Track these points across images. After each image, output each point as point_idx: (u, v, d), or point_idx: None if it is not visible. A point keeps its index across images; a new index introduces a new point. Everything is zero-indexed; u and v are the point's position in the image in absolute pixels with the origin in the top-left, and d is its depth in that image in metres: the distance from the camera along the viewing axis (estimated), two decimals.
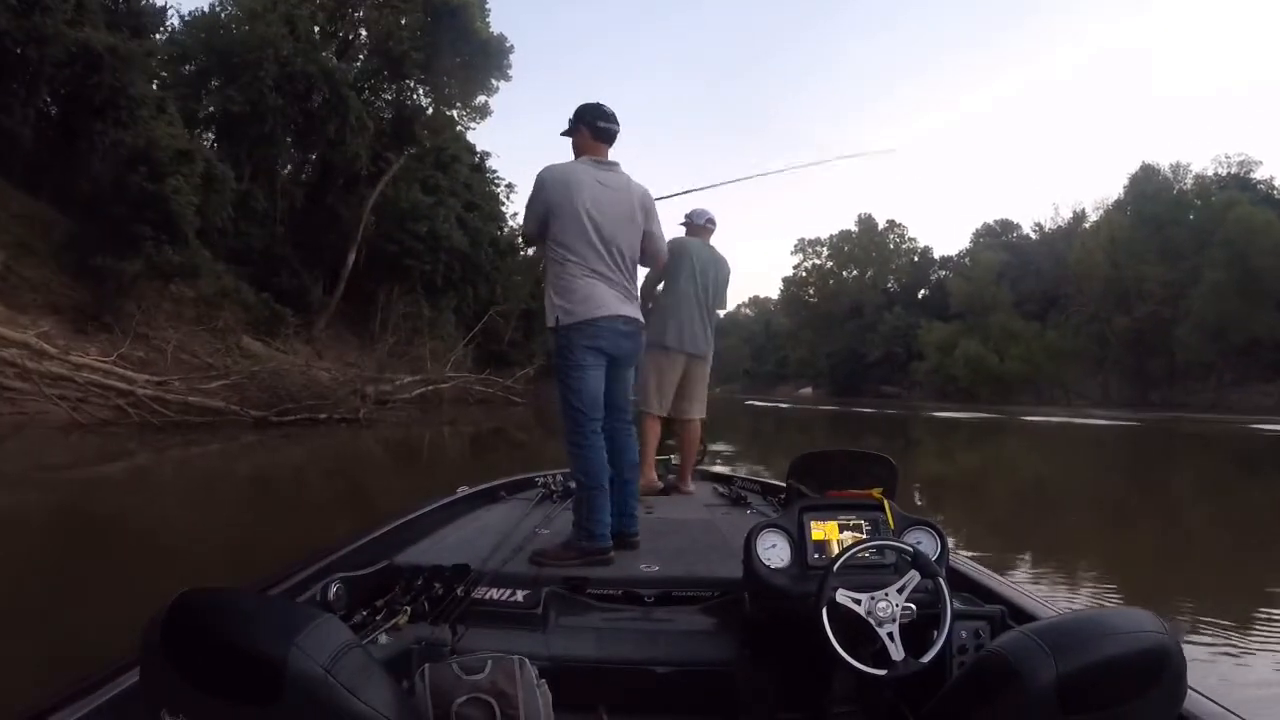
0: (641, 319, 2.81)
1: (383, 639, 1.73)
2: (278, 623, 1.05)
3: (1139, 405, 45.19)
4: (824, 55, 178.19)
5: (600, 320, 2.60)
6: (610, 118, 2.78)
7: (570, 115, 2.80)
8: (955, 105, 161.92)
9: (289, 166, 26.98)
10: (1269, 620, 4.27)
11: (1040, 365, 52.74)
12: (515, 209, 37.21)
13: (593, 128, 2.76)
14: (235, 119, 23.02)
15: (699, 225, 4.24)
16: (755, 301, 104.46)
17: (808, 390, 71.06)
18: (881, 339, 66.11)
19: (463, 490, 3.40)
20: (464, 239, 27.51)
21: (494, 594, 2.06)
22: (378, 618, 1.83)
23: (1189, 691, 1.30)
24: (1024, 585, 2.52)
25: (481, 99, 33.37)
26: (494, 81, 31.99)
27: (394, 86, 30.26)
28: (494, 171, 33.34)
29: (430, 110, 30.83)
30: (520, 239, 33.07)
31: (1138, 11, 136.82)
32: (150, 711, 1.03)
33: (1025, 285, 58.96)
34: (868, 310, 69.17)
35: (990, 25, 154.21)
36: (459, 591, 2.01)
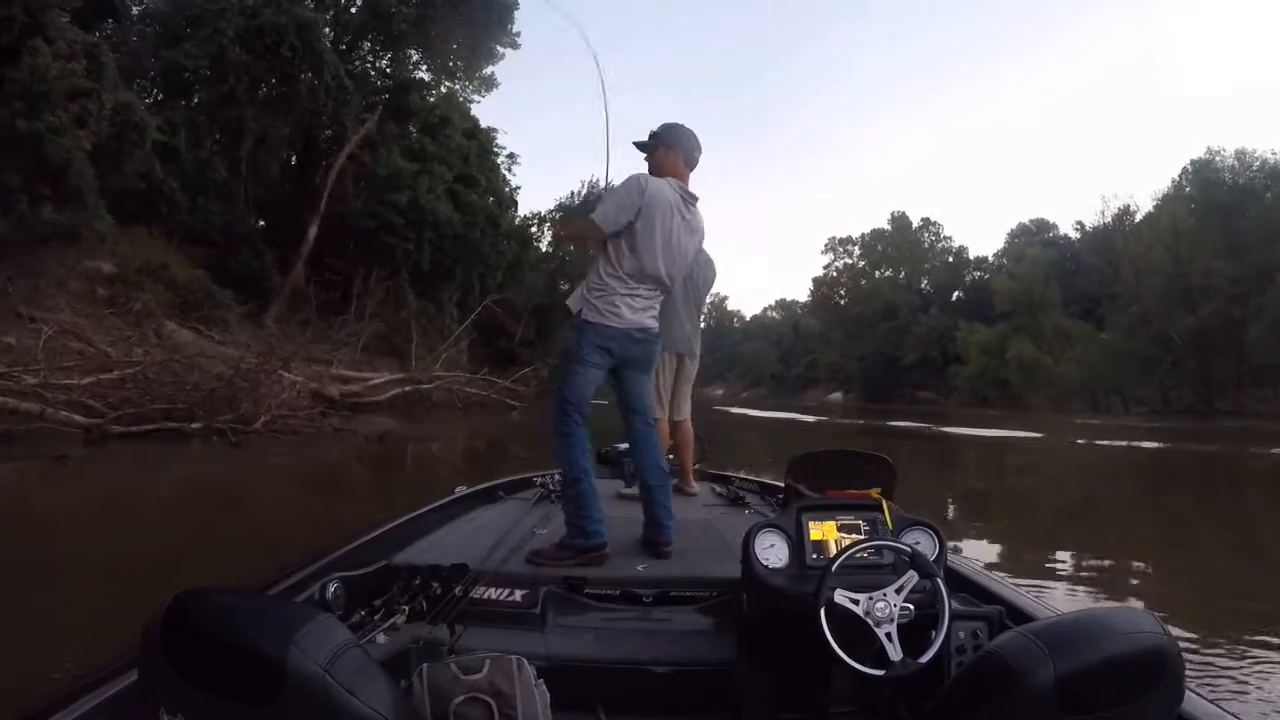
0: (656, 328, 2.76)
1: (381, 639, 1.70)
2: (276, 622, 1.04)
3: (1205, 413, 40.78)
4: (842, 57, 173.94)
5: (616, 328, 2.61)
6: (700, 149, 2.80)
7: (656, 131, 2.77)
8: (981, 106, 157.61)
9: (274, 140, 23.71)
10: None
11: (1098, 369, 48.01)
12: (518, 183, 34.29)
13: (689, 157, 2.77)
14: (194, 77, 19.97)
15: None
16: (783, 304, 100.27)
17: (838, 396, 66.92)
18: (916, 342, 62.46)
19: (460, 490, 3.36)
20: (455, 215, 23.67)
21: (492, 594, 2.03)
22: (376, 617, 1.80)
23: (1187, 692, 1.27)
24: (1022, 585, 2.29)
25: (487, 69, 30.43)
26: (499, 48, 29.03)
27: (389, 55, 27.36)
28: (494, 140, 29.73)
29: (430, 81, 27.85)
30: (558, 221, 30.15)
31: (1158, 12, 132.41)
32: (149, 711, 1.01)
33: (1070, 285, 54.74)
34: (902, 312, 65.31)
35: (1018, 28, 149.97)
36: (457, 591, 1.97)
